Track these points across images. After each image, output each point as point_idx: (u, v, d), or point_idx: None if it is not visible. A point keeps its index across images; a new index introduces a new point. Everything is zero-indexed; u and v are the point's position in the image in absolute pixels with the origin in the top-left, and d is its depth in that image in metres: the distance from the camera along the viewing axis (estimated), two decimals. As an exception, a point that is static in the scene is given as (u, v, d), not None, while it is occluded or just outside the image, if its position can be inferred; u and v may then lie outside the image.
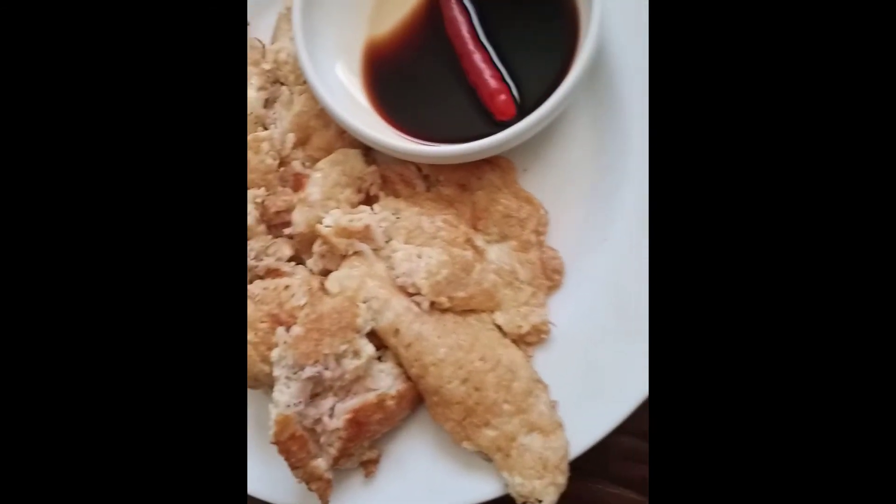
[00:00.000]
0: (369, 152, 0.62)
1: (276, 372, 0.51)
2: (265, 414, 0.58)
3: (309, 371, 0.51)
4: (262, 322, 0.54)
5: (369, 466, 0.55)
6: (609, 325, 0.55)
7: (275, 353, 0.51)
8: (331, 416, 0.52)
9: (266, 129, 0.63)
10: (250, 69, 0.64)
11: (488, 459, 0.53)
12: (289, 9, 0.66)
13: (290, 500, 0.56)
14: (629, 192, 0.58)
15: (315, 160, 0.62)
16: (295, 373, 0.51)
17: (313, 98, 0.61)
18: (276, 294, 0.55)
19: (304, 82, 0.62)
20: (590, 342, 0.55)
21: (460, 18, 0.60)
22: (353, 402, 0.53)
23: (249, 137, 0.60)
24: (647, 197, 0.56)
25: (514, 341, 0.56)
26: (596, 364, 0.54)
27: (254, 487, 0.57)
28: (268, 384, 0.56)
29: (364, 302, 0.54)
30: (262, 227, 0.58)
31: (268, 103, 0.64)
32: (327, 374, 0.51)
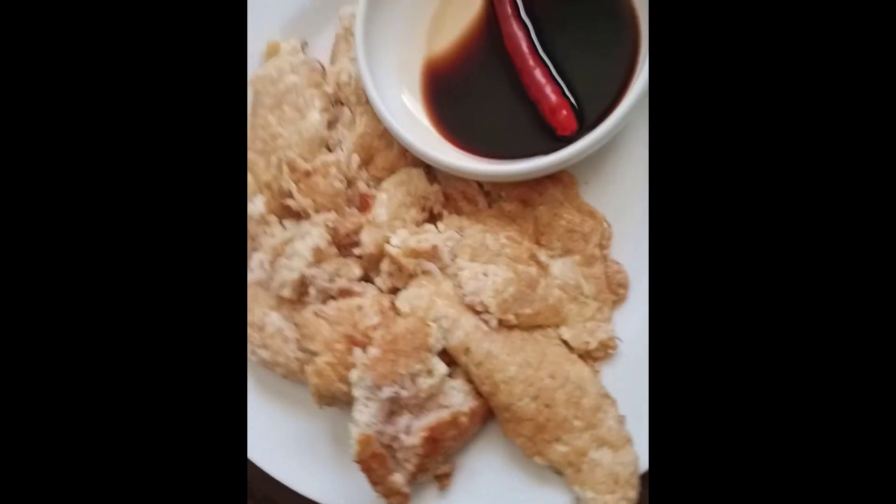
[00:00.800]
0: (431, 171, 0.63)
1: (356, 393, 0.53)
2: (341, 429, 0.61)
3: (387, 391, 0.53)
4: (338, 343, 0.56)
5: (443, 480, 0.58)
6: (676, 339, 0.55)
7: (353, 375, 0.54)
8: (407, 433, 0.55)
9: (330, 150, 0.65)
10: (312, 91, 0.65)
11: (559, 473, 0.55)
12: (347, 29, 0.67)
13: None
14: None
15: (379, 180, 0.64)
16: (374, 393, 0.53)
17: (376, 118, 0.63)
18: (349, 315, 0.58)
19: (366, 102, 0.64)
20: (657, 357, 0.56)
21: (519, 34, 0.60)
22: (428, 420, 0.55)
23: (317, 162, 0.62)
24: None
25: (581, 356, 0.57)
26: (664, 378, 0.55)
27: (332, 500, 0.60)
28: (344, 402, 0.59)
29: (434, 321, 0.56)
30: (334, 250, 0.60)
31: (330, 125, 0.66)
32: (404, 393, 0.54)
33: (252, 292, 0.63)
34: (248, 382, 0.64)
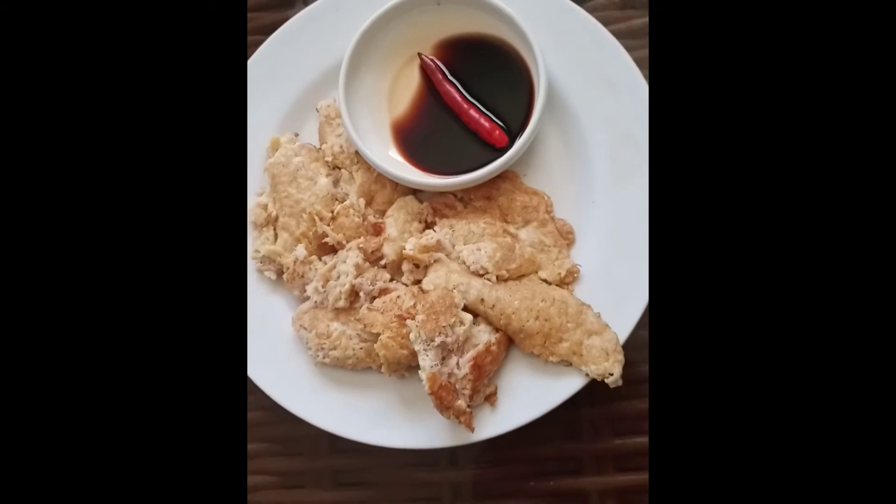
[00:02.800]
0: (417, 194, 0.88)
1: (417, 347, 0.75)
2: (407, 392, 0.81)
3: (438, 340, 0.75)
4: (392, 322, 0.78)
5: (491, 398, 0.79)
6: (613, 256, 0.81)
7: (412, 336, 0.75)
8: (458, 368, 0.77)
9: (339, 201, 0.88)
10: (315, 164, 0.89)
11: (569, 364, 0.78)
12: (326, 117, 0.92)
13: (440, 442, 0.79)
14: (597, 171, 0.85)
15: (382, 212, 0.87)
16: (428, 344, 0.75)
17: (368, 171, 0.87)
18: (392, 304, 0.80)
19: (358, 162, 0.89)
20: (605, 270, 0.81)
21: (451, 90, 0.88)
22: (470, 354, 0.77)
23: (338, 207, 0.85)
24: (612, 172, 0.83)
25: (558, 284, 0.82)
26: (613, 283, 0.80)
27: (412, 441, 0.80)
28: (405, 366, 0.80)
29: (454, 288, 0.79)
30: (367, 264, 0.83)
31: (335, 184, 0.89)
32: (448, 339, 0.76)
33: (313, 314, 0.84)
34: (326, 382, 0.84)
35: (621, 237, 0.81)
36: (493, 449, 0.85)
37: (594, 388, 0.78)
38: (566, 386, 0.78)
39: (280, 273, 0.88)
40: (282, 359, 0.86)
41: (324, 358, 0.82)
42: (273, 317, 0.88)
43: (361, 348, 0.81)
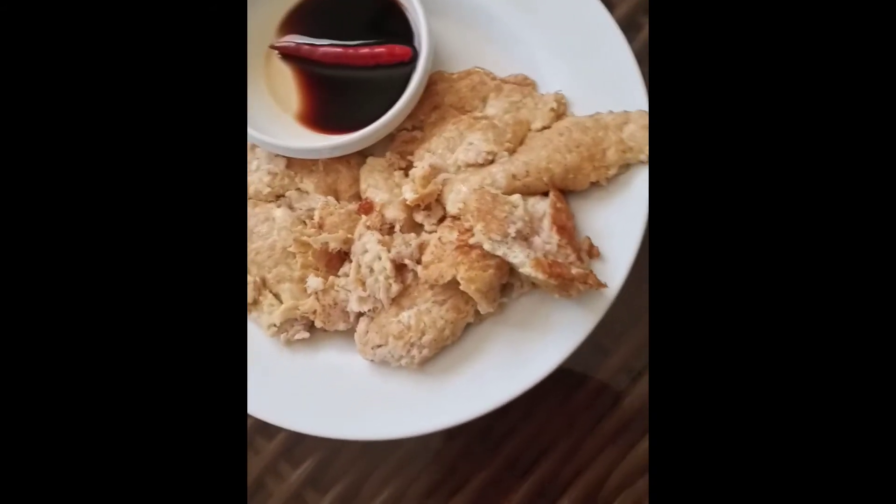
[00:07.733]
0: (373, 153, 0.79)
1: (500, 251, 0.66)
2: (516, 315, 0.72)
3: (511, 230, 0.67)
4: (457, 257, 0.68)
5: (591, 251, 0.71)
6: (578, 56, 0.77)
7: (487, 246, 0.66)
8: (547, 243, 0.68)
9: (306, 223, 0.77)
10: (258, 208, 0.77)
11: (626, 165, 0.73)
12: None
13: (584, 331, 0.70)
14: (500, 13, 0.80)
15: (356, 196, 0.78)
16: (507, 241, 0.66)
17: (312, 171, 0.78)
18: (440, 248, 0.70)
19: (296, 174, 0.78)
20: (581, 75, 0.77)
21: (327, 48, 0.80)
22: (547, 224, 0.69)
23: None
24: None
25: (558, 120, 0.76)
26: (597, 76, 0.76)
27: (505, 396, 0.70)
28: (498, 288, 0.71)
29: (481, 187, 0.71)
30: (388, 237, 0.72)
31: (293, 209, 0.78)
32: (519, 225, 0.68)
33: (375, 326, 0.71)
34: (440, 374, 0.71)
35: (568, 38, 0.78)
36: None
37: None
38: (642, 189, 0.72)
39: (310, 324, 0.75)
40: (383, 395, 0.72)
41: (420, 351, 0.70)
42: (340, 370, 0.74)
43: (448, 310, 0.70)
